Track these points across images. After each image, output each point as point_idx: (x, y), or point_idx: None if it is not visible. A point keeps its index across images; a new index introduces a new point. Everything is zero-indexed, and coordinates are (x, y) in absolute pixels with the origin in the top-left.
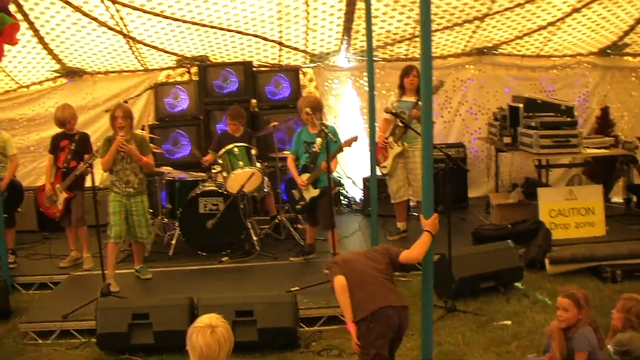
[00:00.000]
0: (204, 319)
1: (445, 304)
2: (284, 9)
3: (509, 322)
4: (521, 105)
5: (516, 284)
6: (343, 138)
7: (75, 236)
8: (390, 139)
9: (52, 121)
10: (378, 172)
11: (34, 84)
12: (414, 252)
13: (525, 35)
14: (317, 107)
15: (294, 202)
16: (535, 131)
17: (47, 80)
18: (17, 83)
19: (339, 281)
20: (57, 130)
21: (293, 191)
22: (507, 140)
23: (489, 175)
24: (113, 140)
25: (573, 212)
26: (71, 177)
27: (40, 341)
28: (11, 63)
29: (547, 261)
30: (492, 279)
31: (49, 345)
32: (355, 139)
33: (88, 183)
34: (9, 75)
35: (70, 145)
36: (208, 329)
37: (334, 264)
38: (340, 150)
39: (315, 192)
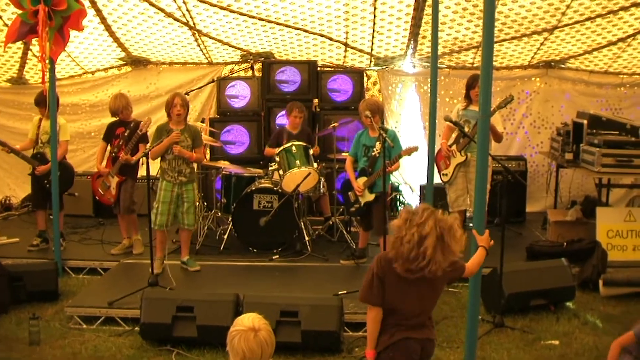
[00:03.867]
0: (246, 321)
1: (493, 318)
2: (351, 10)
3: (556, 342)
4: (585, 122)
5: (567, 304)
6: (404, 143)
7: (126, 223)
8: (454, 147)
9: None
10: (438, 180)
11: (99, 70)
12: (472, 269)
13: (594, 50)
14: (377, 111)
15: (349, 204)
16: (597, 149)
17: (112, 67)
18: (83, 69)
19: (372, 314)
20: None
21: (349, 193)
22: (568, 156)
23: (548, 191)
24: (164, 129)
25: (631, 234)
26: (120, 161)
27: (84, 326)
28: (77, 49)
29: (600, 282)
30: (542, 297)
31: (93, 331)
32: (415, 148)
33: (142, 172)
34: (74, 61)
35: (124, 133)
36: (251, 333)
37: (372, 277)
38: (400, 157)
39: (370, 197)
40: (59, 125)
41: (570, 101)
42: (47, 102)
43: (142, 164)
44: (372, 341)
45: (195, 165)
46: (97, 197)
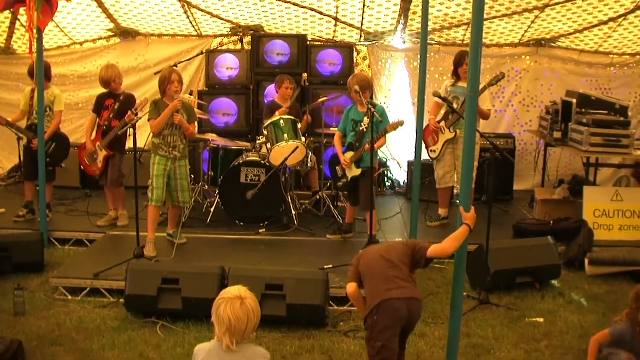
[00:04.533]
0: (232, 290)
1: (478, 295)
2: None
3: (541, 320)
4: (574, 101)
5: (553, 282)
6: (392, 119)
7: (113, 196)
8: (442, 124)
9: None
10: (425, 156)
11: (87, 41)
12: (446, 246)
13: (585, 29)
14: (366, 86)
15: (336, 179)
16: (586, 128)
17: (101, 38)
18: (71, 39)
19: (349, 289)
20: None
21: (337, 167)
22: (557, 135)
23: (536, 169)
24: (160, 103)
25: (618, 214)
26: (111, 135)
27: (69, 297)
28: (66, 19)
29: (586, 261)
30: (528, 275)
31: (78, 302)
32: (400, 123)
33: (129, 145)
34: (62, 31)
35: (114, 105)
36: (237, 301)
37: (351, 265)
38: (385, 132)
39: (356, 172)
40: (53, 95)
41: (559, 80)
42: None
43: (129, 135)
44: (362, 311)
45: (186, 141)
46: (82, 168)
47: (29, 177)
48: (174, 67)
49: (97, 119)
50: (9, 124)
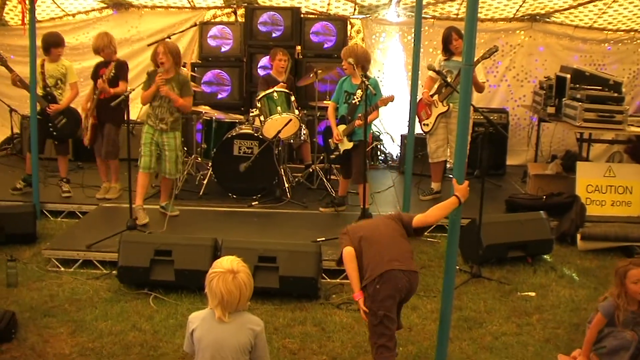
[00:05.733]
0: (225, 263)
1: (470, 269)
2: None
3: (533, 294)
4: (568, 76)
5: (545, 257)
6: (386, 94)
7: (106, 168)
8: (436, 97)
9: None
10: (419, 129)
11: (80, 13)
12: (430, 216)
13: (579, 5)
14: (363, 60)
15: (329, 151)
16: (580, 103)
17: (94, 10)
18: (63, 11)
19: (347, 251)
20: (100, 60)
21: (330, 140)
22: (550, 110)
23: (529, 144)
24: (153, 74)
25: (610, 190)
26: (94, 101)
27: (62, 269)
28: None
29: (578, 236)
30: (520, 249)
31: (70, 274)
32: (391, 98)
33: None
34: (55, 3)
35: (105, 73)
36: (230, 275)
37: (343, 234)
38: (377, 107)
39: (349, 145)
40: (64, 67)
41: (554, 55)
42: (49, 48)
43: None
44: (355, 283)
45: (178, 114)
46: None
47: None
48: (166, 41)
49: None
50: (24, 85)
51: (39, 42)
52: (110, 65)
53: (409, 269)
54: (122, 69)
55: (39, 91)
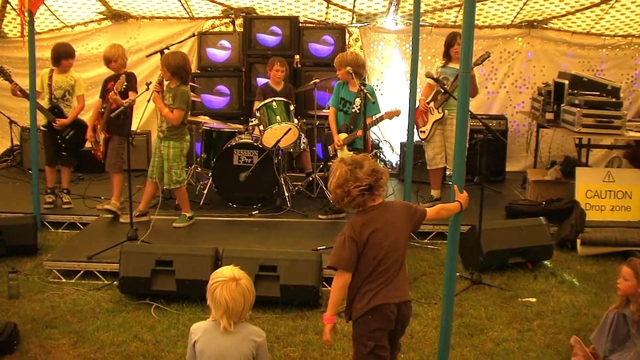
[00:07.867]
0: (225, 272)
1: (471, 275)
2: None
3: (533, 300)
4: (566, 82)
5: (545, 262)
6: (385, 102)
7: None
8: (432, 105)
9: (94, 63)
10: (416, 137)
11: (79, 24)
12: (439, 208)
13: (577, 11)
14: (354, 66)
15: (328, 158)
16: (578, 109)
17: (92, 21)
18: (62, 22)
19: (342, 280)
20: (99, 72)
21: (329, 147)
22: (549, 116)
23: (529, 151)
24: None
25: (610, 195)
26: (106, 115)
27: (63, 280)
28: (57, 2)
29: (578, 242)
30: (520, 255)
31: (72, 285)
32: (397, 113)
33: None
34: (53, 14)
35: (114, 86)
36: (232, 282)
37: (351, 240)
38: (381, 119)
39: (348, 154)
40: (73, 79)
41: (552, 61)
42: (60, 59)
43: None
44: (335, 307)
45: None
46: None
47: (49, 163)
48: (165, 50)
49: (103, 104)
50: (25, 94)
51: (37, 54)
52: (121, 78)
53: (402, 301)
54: (132, 80)
55: (45, 103)
